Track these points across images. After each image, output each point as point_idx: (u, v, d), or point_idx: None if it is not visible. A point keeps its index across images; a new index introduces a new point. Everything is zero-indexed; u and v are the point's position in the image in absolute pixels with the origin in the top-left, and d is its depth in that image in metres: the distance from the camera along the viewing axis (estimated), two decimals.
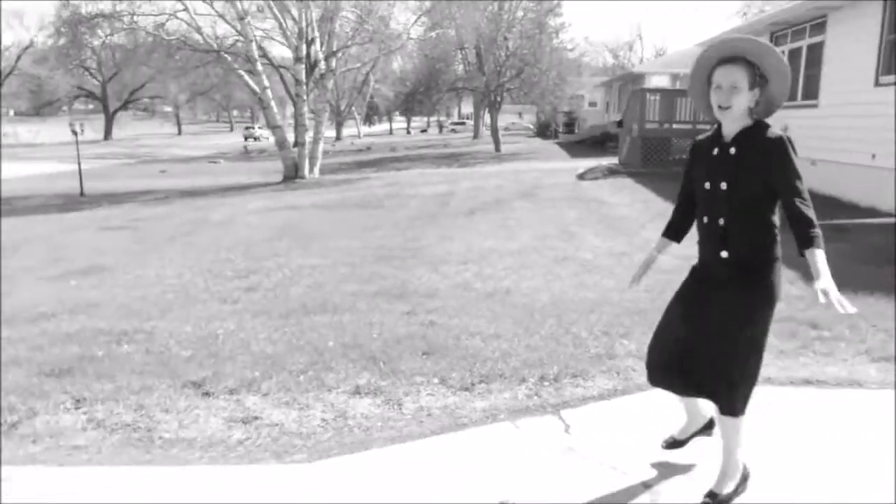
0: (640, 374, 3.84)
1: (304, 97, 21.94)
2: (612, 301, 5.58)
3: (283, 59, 29.15)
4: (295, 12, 21.73)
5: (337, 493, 2.88)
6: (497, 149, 33.71)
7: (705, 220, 2.63)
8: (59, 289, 6.74)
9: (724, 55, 2.53)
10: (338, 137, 56.06)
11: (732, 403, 2.58)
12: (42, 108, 77.60)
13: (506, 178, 17.57)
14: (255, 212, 13.08)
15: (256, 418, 3.64)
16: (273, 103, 21.71)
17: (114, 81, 61.58)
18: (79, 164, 20.85)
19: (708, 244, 2.63)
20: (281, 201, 14.96)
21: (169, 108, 77.09)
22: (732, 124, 2.54)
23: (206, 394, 3.95)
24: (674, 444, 2.97)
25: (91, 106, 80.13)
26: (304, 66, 21.71)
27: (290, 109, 42.55)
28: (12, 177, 27.61)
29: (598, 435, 3.32)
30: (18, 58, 63.48)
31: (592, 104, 43.55)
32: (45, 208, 16.16)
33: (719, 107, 2.51)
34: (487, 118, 41.55)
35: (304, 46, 21.59)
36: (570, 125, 44.02)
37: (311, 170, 21.96)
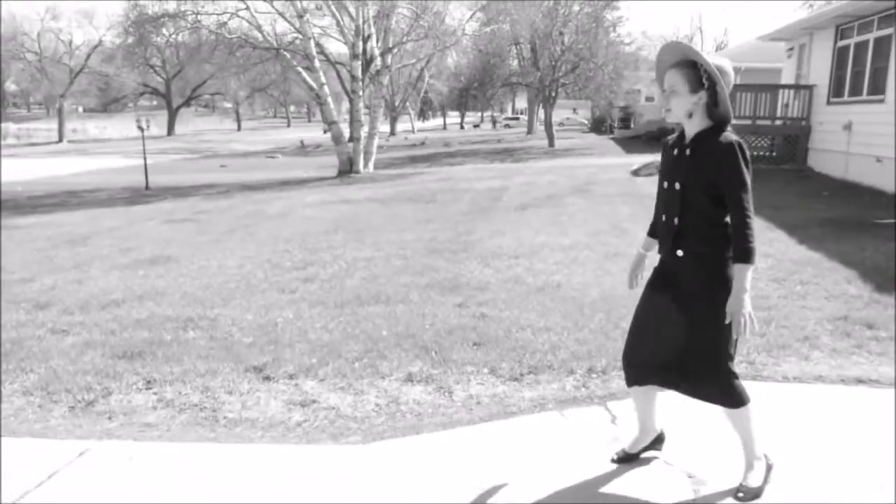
0: None
1: (360, 93, 22.24)
2: None
3: (339, 56, 29.60)
4: (352, 9, 22.02)
5: (389, 473, 3.03)
6: (551, 144, 33.53)
7: (663, 218, 2.70)
8: (128, 277, 7.08)
9: (674, 60, 2.59)
10: (392, 132, 56.51)
11: (729, 396, 2.63)
12: (109, 104, 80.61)
13: (559, 174, 17.51)
14: (312, 205, 13.37)
15: (314, 402, 3.83)
16: (329, 99, 22.06)
17: (177, 79, 63.31)
18: (144, 158, 21.62)
19: (666, 242, 2.70)
20: (336, 195, 15.24)
21: (229, 105, 79.09)
22: (690, 126, 2.60)
23: (267, 378, 4.17)
24: (625, 457, 3.00)
25: (155, 102, 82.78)
26: (360, 62, 21.99)
27: (345, 105, 43.11)
28: (82, 171, 28.82)
29: None
30: (88, 56, 65.77)
31: (650, 99, 42.75)
32: (112, 201, 16.81)
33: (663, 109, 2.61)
34: (541, 113, 41.25)
35: (360, 43, 21.88)
36: (625, 120, 43.32)
37: (365, 164, 22.26)
